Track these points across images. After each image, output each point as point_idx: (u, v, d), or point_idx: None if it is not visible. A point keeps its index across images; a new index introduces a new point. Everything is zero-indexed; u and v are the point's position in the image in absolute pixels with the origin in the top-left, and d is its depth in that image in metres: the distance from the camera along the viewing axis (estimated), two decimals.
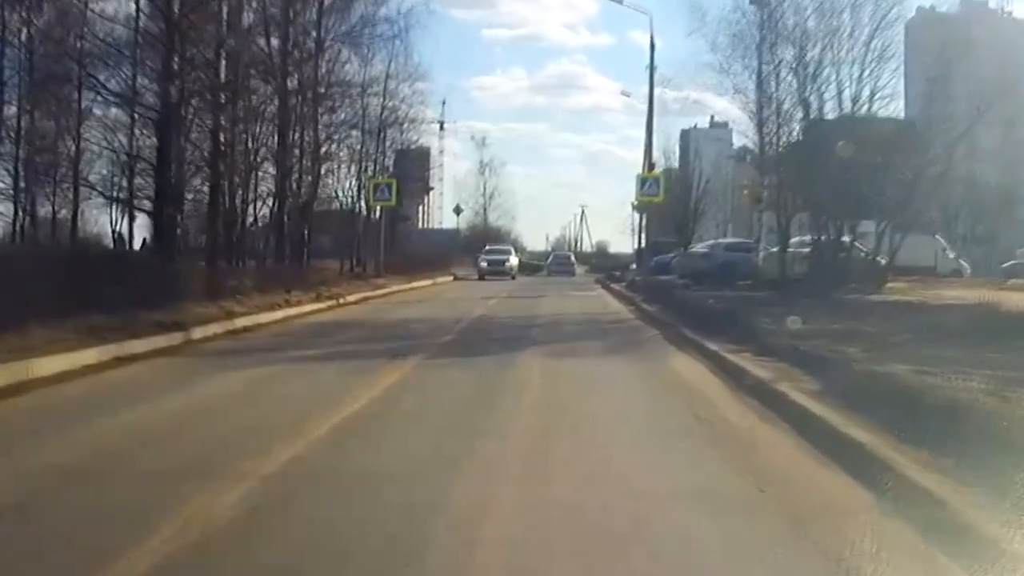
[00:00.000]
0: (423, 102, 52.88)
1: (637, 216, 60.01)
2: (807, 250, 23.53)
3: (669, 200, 34.29)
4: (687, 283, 29.28)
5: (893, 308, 16.14)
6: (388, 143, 52.00)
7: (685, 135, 76.16)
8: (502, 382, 8.97)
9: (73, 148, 27.06)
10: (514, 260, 43.77)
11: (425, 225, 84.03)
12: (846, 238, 23.29)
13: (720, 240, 32.50)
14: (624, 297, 24.88)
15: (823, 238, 23.21)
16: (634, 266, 50.69)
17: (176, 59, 17.48)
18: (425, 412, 7.36)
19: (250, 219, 40.54)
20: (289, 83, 24.08)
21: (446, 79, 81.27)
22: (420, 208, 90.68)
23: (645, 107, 31.57)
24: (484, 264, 42.03)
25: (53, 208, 31.13)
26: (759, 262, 26.15)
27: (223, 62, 19.41)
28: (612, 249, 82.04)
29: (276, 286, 21.25)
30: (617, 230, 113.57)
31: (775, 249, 24.95)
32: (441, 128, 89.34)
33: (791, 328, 12.38)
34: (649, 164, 30.38)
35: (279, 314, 17.27)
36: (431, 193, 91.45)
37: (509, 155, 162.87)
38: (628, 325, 16.52)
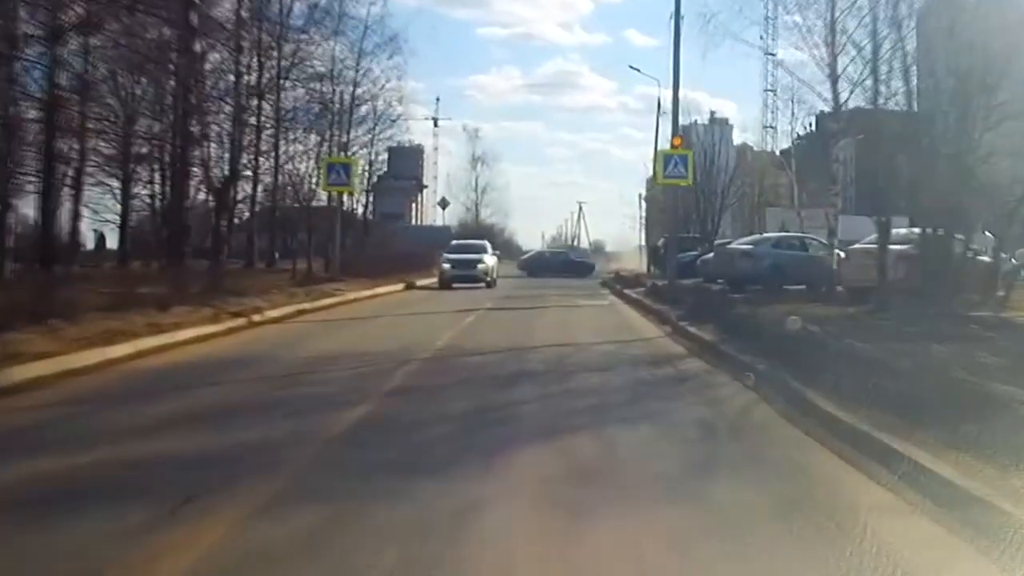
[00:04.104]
0: (400, 78, 47.01)
1: (651, 212, 54.01)
2: (900, 248, 16.87)
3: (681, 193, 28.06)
4: (724, 289, 22.84)
5: None
6: (362, 126, 45.99)
7: (686, 131, 70.50)
8: None
9: None
10: (490, 260, 31.65)
11: (419, 223, 78.26)
12: (959, 236, 16.75)
13: (767, 235, 25.90)
14: (650, 311, 18.30)
15: (927, 232, 16.60)
16: (643, 267, 44.42)
17: None
18: None
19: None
20: (193, 18, 17.38)
21: (440, 77, 76.21)
22: (413, 206, 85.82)
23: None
24: (448, 266, 30.05)
25: None
26: (833, 264, 19.55)
27: None
28: (609, 248, 75.98)
29: (148, 299, 14.75)
30: (626, 226, 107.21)
31: (859, 246, 18.30)
32: (435, 125, 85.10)
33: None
34: (674, 136, 23.73)
35: (117, 350, 10.67)
36: (425, 191, 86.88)
37: (505, 154, 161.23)
38: (684, 370, 9.89)
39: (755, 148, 49.46)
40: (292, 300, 19.19)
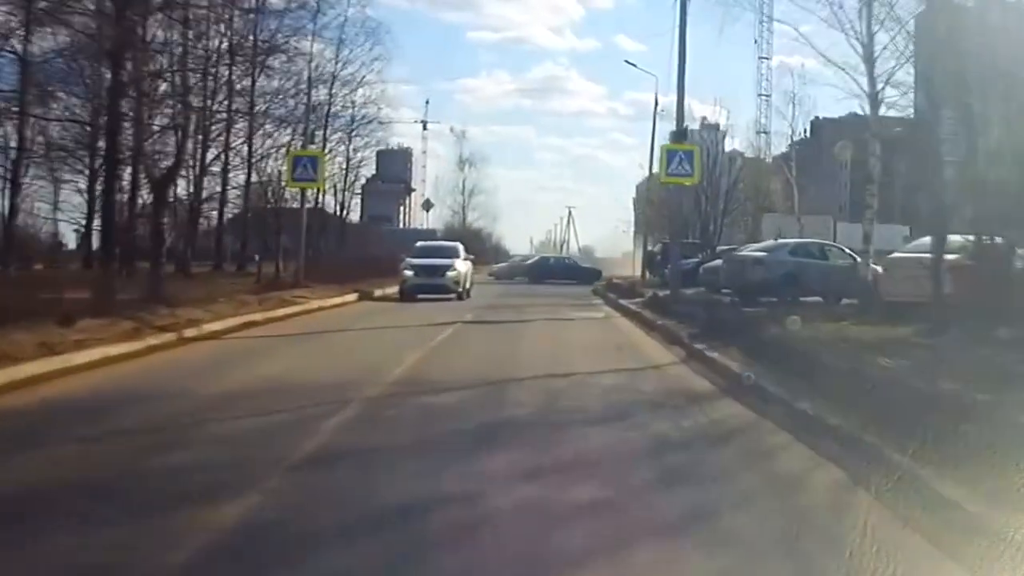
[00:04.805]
0: (382, 69, 44.67)
1: (645, 216, 51.33)
2: (949, 258, 14.38)
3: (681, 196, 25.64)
4: (735, 301, 20.37)
5: None
6: (340, 119, 43.53)
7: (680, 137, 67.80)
8: None
9: None
10: (463, 267, 25.49)
11: (407, 226, 76.08)
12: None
13: (783, 240, 23.32)
14: (654, 327, 15.76)
15: (983, 240, 14.12)
16: (638, 273, 41.79)
17: None
18: None
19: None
20: None
21: (430, 81, 74.66)
22: (402, 209, 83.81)
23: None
24: (410, 274, 24.47)
25: None
26: (863, 275, 17.06)
27: None
28: (598, 253, 73.72)
29: (57, 310, 12.19)
30: (619, 230, 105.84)
31: (901, 255, 15.77)
32: (424, 128, 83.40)
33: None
34: (680, 131, 21.17)
35: None
36: (413, 194, 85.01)
37: (494, 159, 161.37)
38: (720, 420, 7.26)
39: (745, 155, 47.29)
40: (241, 310, 16.61)
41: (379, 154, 73.47)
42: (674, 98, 21.62)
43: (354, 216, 56.16)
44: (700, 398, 8.24)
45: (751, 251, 21.97)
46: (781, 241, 22.80)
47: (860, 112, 17.36)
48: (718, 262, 26.58)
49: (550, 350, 12.28)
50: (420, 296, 23.49)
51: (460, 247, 27.02)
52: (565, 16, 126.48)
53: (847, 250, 21.44)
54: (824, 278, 19.99)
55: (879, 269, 17.98)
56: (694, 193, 30.70)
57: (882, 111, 18.07)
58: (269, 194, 31.62)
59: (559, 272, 45.72)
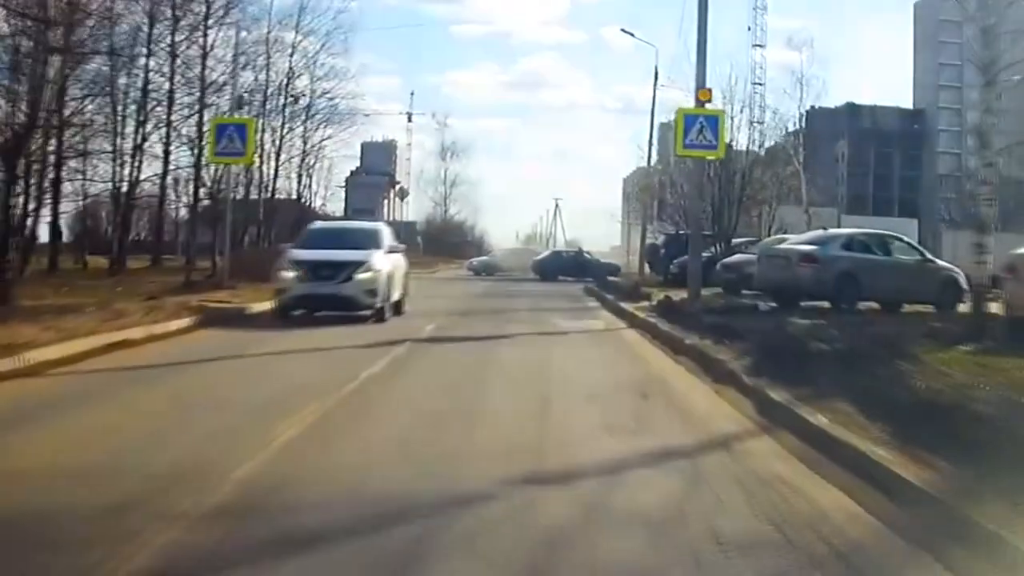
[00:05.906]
0: (348, 37, 40.39)
1: (641, 206, 46.75)
2: None
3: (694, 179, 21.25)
4: (771, 306, 15.98)
5: None
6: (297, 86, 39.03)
7: (663, 131, 64.06)
8: None
9: None
10: (385, 264, 15.22)
11: (390, 219, 72.63)
12: None
13: (835, 231, 18.50)
14: (680, 348, 11.22)
15: None
16: (634, 269, 37.66)
17: None
18: None
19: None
20: None
21: (416, 74, 73.24)
22: (386, 202, 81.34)
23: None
24: (291, 275, 14.90)
25: None
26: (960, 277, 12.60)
27: None
28: (586, 247, 69.93)
29: None
30: (613, 220, 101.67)
31: None
32: (409, 120, 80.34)
33: None
34: (702, 90, 16.53)
35: None
36: (397, 187, 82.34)
37: (480, 152, 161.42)
38: None
39: (735, 147, 43.36)
40: (109, 325, 11.96)
41: (363, 146, 69.85)
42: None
43: (337, 209, 52.02)
44: (863, 559, 3.69)
45: (794, 244, 17.39)
46: (832, 232, 18.29)
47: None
48: (738, 257, 22.35)
49: (534, 404, 7.54)
50: (317, 312, 14.98)
51: (383, 231, 16.88)
52: (552, 9, 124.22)
53: (911, 242, 17.06)
54: (890, 280, 15.67)
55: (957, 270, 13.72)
56: (705, 176, 26.16)
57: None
58: (204, 177, 26.95)
59: (572, 268, 40.64)
